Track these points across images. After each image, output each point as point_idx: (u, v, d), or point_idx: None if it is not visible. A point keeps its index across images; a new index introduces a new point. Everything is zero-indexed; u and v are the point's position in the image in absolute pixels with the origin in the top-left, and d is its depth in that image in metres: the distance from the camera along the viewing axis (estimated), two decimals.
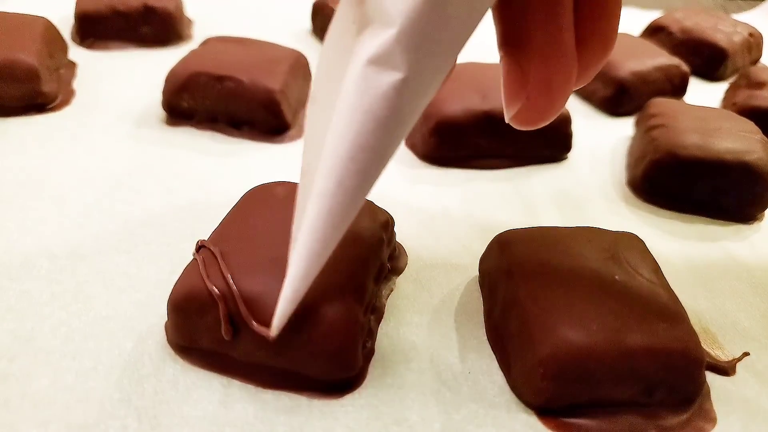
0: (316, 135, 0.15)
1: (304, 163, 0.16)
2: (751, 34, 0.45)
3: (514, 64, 0.15)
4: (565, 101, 0.15)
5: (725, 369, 0.20)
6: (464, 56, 0.37)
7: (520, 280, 0.20)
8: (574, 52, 0.15)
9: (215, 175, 0.28)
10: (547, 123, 0.16)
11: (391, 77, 0.13)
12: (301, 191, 0.16)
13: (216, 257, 0.18)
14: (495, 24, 0.16)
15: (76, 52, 0.37)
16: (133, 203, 0.26)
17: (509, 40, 0.15)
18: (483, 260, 0.23)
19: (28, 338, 0.19)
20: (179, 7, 0.41)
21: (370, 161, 0.14)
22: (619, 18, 0.15)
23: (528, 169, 0.31)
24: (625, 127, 0.35)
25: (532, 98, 0.15)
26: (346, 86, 0.14)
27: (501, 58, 0.15)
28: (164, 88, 0.31)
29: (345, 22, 0.14)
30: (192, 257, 0.19)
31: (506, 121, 0.16)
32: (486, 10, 0.13)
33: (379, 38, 0.13)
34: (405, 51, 0.13)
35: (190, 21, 0.43)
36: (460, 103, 0.30)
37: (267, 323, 0.17)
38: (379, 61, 0.13)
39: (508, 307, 0.20)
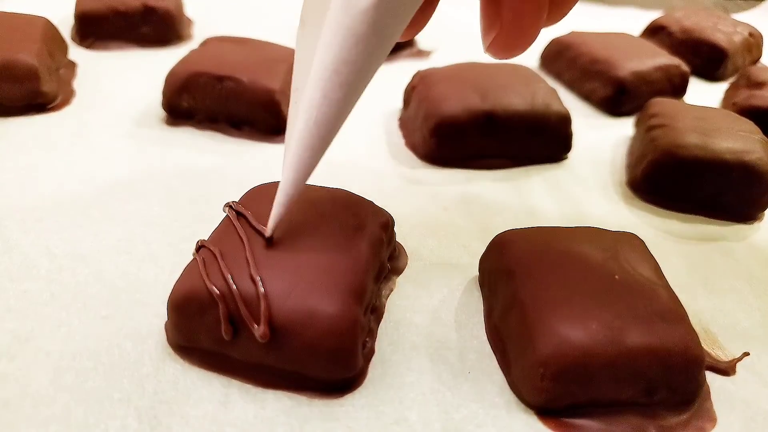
0: (305, 55, 0.17)
1: (294, 82, 0.17)
2: (751, 34, 0.45)
3: None
4: (538, 31, 0.16)
5: (725, 369, 0.20)
6: (464, 56, 0.37)
7: (520, 280, 0.20)
8: None
9: (215, 174, 0.28)
10: (521, 52, 0.16)
11: None
12: (291, 107, 0.17)
13: (216, 257, 0.18)
14: None
15: (75, 52, 0.37)
16: (132, 203, 0.26)
17: None
18: (483, 260, 0.23)
19: (28, 338, 0.19)
20: (179, 7, 0.41)
21: (352, 74, 0.15)
22: None
23: (528, 169, 0.31)
24: (625, 127, 0.35)
25: (506, 26, 0.16)
26: (331, 7, 0.15)
27: None
28: (164, 88, 0.31)
29: None
30: (192, 257, 0.19)
31: (484, 51, 0.17)
32: None
33: None
34: None
35: (189, 21, 0.43)
36: (460, 103, 0.30)
37: (267, 324, 0.17)
38: None
39: (508, 307, 0.20)
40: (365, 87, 0.16)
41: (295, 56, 0.18)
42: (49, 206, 0.25)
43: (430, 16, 0.17)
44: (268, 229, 0.18)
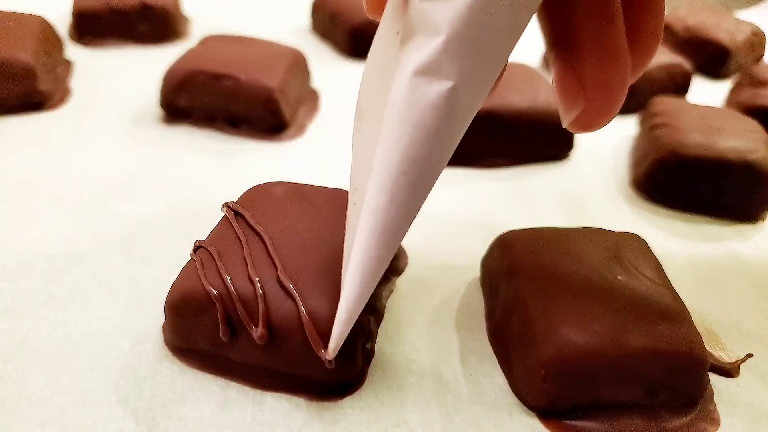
0: (364, 151, 0.15)
1: (352, 180, 0.15)
2: (754, 33, 0.45)
3: (568, 67, 0.14)
4: (623, 99, 0.15)
5: (729, 370, 0.20)
6: None
7: (521, 280, 0.20)
8: (627, 49, 0.14)
9: (213, 174, 0.28)
10: (607, 124, 0.15)
11: (440, 87, 0.13)
12: (350, 209, 0.15)
13: (214, 258, 0.18)
14: (541, 27, 0.15)
15: (72, 51, 0.37)
16: (130, 202, 0.25)
17: (559, 42, 0.15)
18: (484, 261, 0.23)
19: (25, 339, 0.19)
20: (176, 5, 0.41)
21: (421, 174, 0.14)
22: (663, 10, 0.15)
23: (530, 168, 0.31)
24: (627, 126, 0.35)
25: (591, 101, 0.14)
26: (393, 99, 0.13)
27: (552, 62, 0.15)
28: (162, 86, 0.31)
29: (389, 34, 0.14)
30: (189, 258, 0.19)
31: (564, 126, 0.16)
32: (532, 13, 0.13)
33: (426, 48, 0.13)
34: (453, 59, 0.12)
35: (187, 19, 0.43)
36: None
37: (265, 325, 0.17)
38: (427, 70, 0.13)
39: (509, 308, 0.20)
40: (434, 184, 0.14)
41: (352, 153, 0.16)
42: (46, 206, 0.25)
43: (499, 84, 0.15)
44: (330, 352, 0.15)
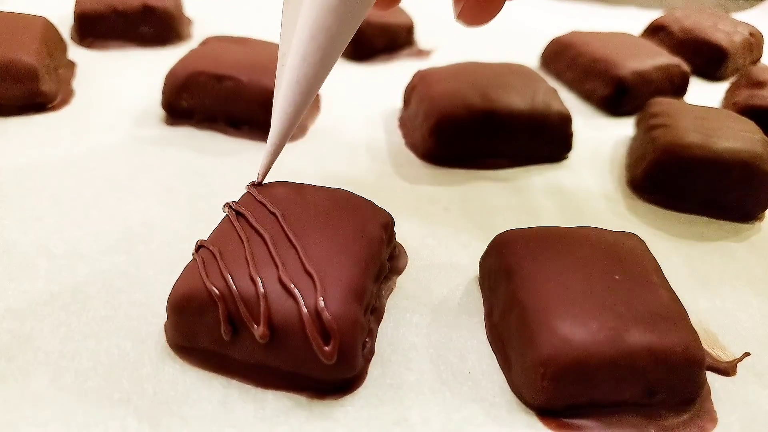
0: (288, 26, 0.20)
1: (281, 49, 0.21)
2: (751, 34, 0.45)
3: None
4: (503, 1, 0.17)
5: (726, 369, 0.20)
6: (464, 56, 0.37)
7: (520, 279, 0.20)
8: None
9: (215, 174, 0.28)
10: (490, 19, 0.18)
11: None
12: (278, 70, 0.21)
13: (215, 257, 0.18)
14: None
15: (75, 52, 0.37)
16: (132, 203, 0.26)
17: None
18: (483, 260, 0.23)
19: (28, 338, 0.19)
20: (178, 7, 0.41)
21: (326, 40, 0.18)
22: None
23: (528, 168, 0.31)
24: (625, 127, 0.35)
25: None
26: None
27: None
28: (164, 87, 0.31)
29: None
30: (191, 257, 0.19)
31: (455, 19, 0.19)
32: None
33: None
34: None
35: (189, 20, 0.43)
36: (460, 102, 0.30)
37: (267, 324, 0.17)
38: None
39: (508, 307, 0.20)
40: (340, 51, 0.19)
41: (280, 25, 0.21)
42: (49, 206, 0.25)
43: None
44: (259, 176, 0.21)
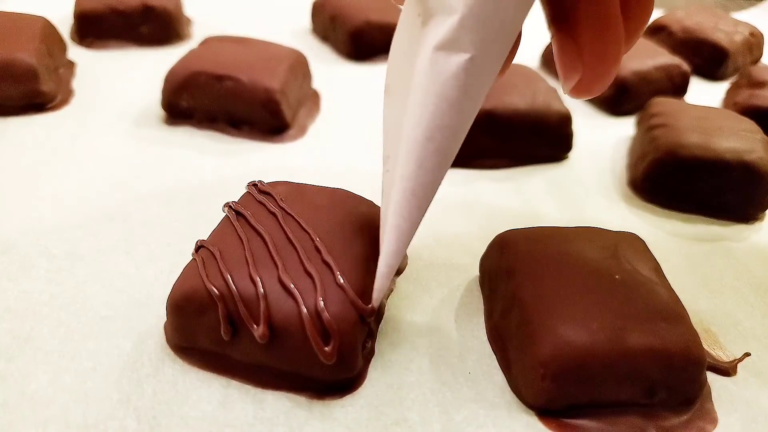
0: (393, 123, 0.17)
1: (384, 149, 0.17)
2: (752, 34, 0.45)
3: (567, 38, 0.16)
4: (618, 67, 0.16)
5: (726, 369, 0.20)
6: None
7: (520, 279, 0.20)
8: (621, 19, 0.16)
9: (215, 174, 0.28)
10: (604, 90, 0.17)
11: (458, 59, 0.14)
12: (384, 176, 0.17)
13: (215, 257, 0.18)
14: (543, 3, 0.17)
15: (75, 52, 0.37)
16: (131, 203, 0.26)
17: (559, 17, 0.16)
18: (483, 260, 0.23)
19: (27, 338, 0.19)
20: (178, 7, 0.41)
21: (446, 140, 0.15)
22: None
23: (529, 168, 0.31)
24: (625, 127, 0.35)
25: (589, 68, 0.16)
26: (417, 73, 0.15)
27: (552, 35, 0.17)
28: (163, 87, 0.31)
29: (410, 17, 0.16)
30: (191, 257, 0.19)
31: (565, 93, 0.17)
32: None
33: (444, 25, 0.14)
34: (469, 33, 0.14)
35: (189, 20, 0.43)
36: None
37: (267, 324, 0.17)
38: (446, 45, 0.14)
39: (508, 307, 0.20)
40: (457, 149, 0.16)
41: (383, 123, 0.17)
42: (48, 206, 0.25)
43: (512, 61, 0.17)
44: (375, 300, 0.18)
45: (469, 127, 0.16)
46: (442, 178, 0.16)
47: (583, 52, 0.16)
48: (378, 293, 0.17)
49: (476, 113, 0.16)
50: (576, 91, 0.17)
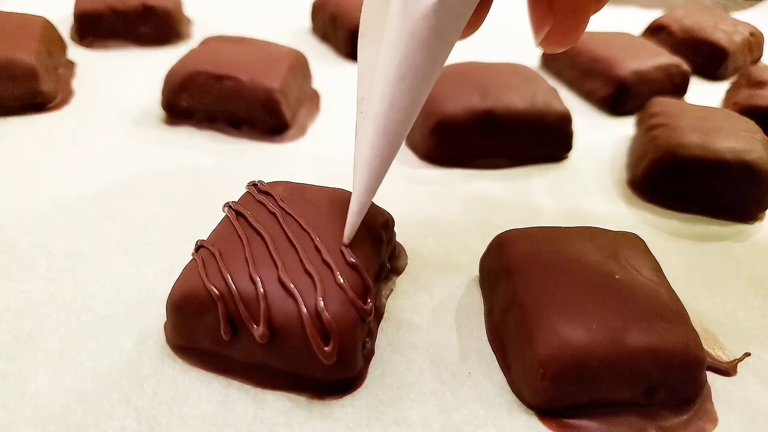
0: (367, 66, 0.17)
1: (358, 92, 0.18)
2: (751, 34, 0.45)
3: None
4: (587, 23, 0.16)
5: (726, 369, 0.20)
6: (464, 56, 0.37)
7: (520, 279, 0.20)
8: None
9: (214, 174, 0.28)
10: (574, 43, 0.17)
11: (428, 1, 0.15)
12: (358, 117, 0.17)
13: (215, 257, 0.18)
14: None
15: (75, 52, 0.37)
16: (131, 203, 0.26)
17: None
18: (483, 260, 0.23)
19: (27, 338, 0.19)
20: (178, 6, 0.41)
21: (417, 79, 0.16)
22: None
23: (528, 168, 0.31)
24: (625, 127, 0.35)
25: (560, 18, 0.16)
26: (390, 16, 0.15)
27: None
28: (163, 87, 0.31)
29: None
30: (191, 257, 0.19)
31: (536, 45, 0.17)
32: None
33: None
34: None
35: (189, 20, 0.43)
36: (461, 102, 0.30)
37: (266, 324, 0.17)
38: None
39: (508, 307, 0.20)
40: (429, 91, 0.16)
41: (358, 67, 0.18)
42: (48, 206, 0.25)
43: (485, 16, 0.18)
44: (345, 238, 0.18)
45: (440, 69, 0.16)
46: (413, 118, 0.16)
47: (555, 4, 0.16)
48: (349, 232, 0.18)
49: (447, 56, 0.16)
50: (546, 42, 0.17)
